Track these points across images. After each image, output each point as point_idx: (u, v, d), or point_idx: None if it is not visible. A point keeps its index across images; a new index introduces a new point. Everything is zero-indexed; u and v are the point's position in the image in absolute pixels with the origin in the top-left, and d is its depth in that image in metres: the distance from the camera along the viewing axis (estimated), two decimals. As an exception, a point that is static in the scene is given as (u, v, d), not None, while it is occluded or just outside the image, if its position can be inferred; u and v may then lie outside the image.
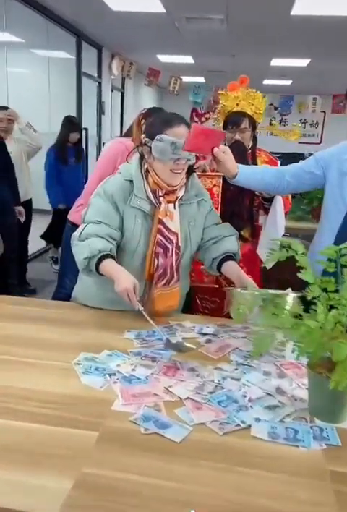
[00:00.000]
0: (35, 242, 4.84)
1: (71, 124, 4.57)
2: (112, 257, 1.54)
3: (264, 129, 2.45)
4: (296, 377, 1.29)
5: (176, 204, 1.63)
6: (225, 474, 0.93)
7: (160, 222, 1.60)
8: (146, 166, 1.62)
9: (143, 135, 1.61)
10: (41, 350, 1.39)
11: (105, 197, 1.61)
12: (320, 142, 12.01)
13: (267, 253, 1.21)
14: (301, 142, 9.74)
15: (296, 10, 4.97)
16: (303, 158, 2.95)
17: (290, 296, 1.41)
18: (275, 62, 8.07)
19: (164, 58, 8.18)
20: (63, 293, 2.75)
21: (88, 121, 7.19)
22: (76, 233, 1.61)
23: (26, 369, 1.28)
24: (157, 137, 1.53)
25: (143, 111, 2.26)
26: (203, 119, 9.60)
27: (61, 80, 7.14)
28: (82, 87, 6.90)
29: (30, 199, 4.04)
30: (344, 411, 1.10)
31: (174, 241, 1.62)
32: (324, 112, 11.05)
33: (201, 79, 9.88)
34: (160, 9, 5.21)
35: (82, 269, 1.58)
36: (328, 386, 1.01)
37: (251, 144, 2.19)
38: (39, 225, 4.63)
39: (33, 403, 1.12)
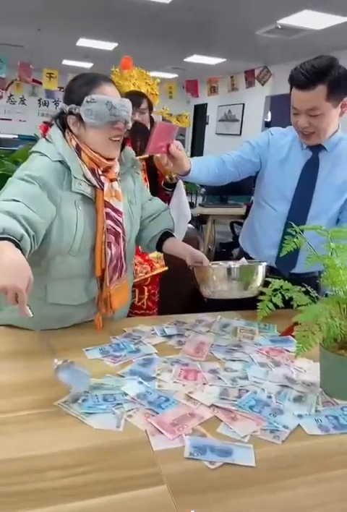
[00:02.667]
0: None
1: None
2: (19, 247, 1.05)
3: (154, 113, 2.37)
4: (286, 361, 1.29)
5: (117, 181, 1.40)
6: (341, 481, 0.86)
7: (107, 205, 1.34)
8: (75, 142, 1.33)
9: (63, 105, 1.31)
10: (8, 398, 1.04)
11: (31, 180, 1.22)
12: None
13: None
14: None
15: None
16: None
17: (261, 266, 1.47)
18: (82, 43, 7.85)
19: None
20: None
21: None
22: None
23: (4, 431, 0.93)
24: (87, 98, 1.27)
25: None
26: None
27: None
28: None
29: None
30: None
31: (123, 224, 1.40)
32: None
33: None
34: None
35: None
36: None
37: (149, 127, 2.06)
38: None
39: (51, 473, 0.82)
